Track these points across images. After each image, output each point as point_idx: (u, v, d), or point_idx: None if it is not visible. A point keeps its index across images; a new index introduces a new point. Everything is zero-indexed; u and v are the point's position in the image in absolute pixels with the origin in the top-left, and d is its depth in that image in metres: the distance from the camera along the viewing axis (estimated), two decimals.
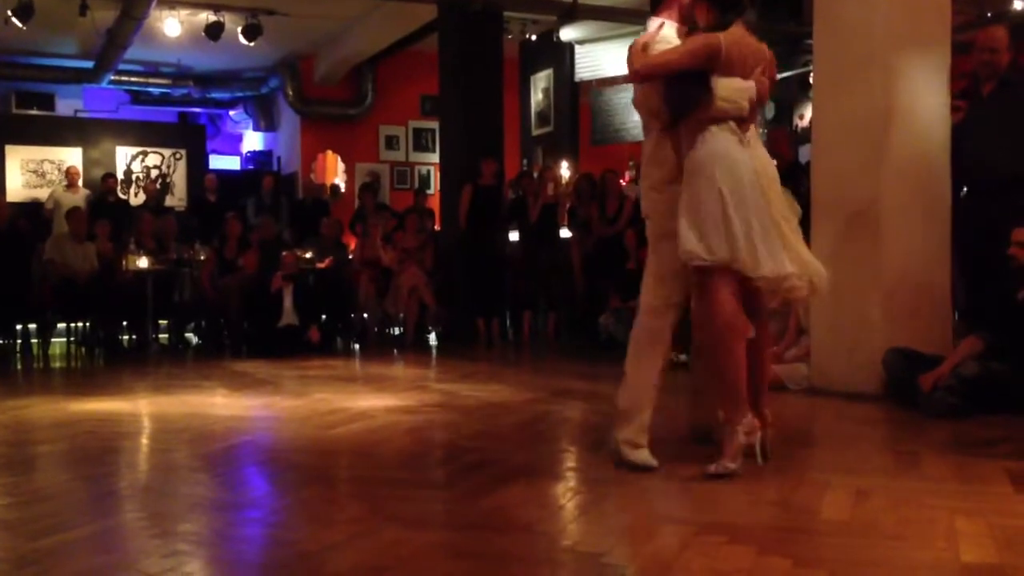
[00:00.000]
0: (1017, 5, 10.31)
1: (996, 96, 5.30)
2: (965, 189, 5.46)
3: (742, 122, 3.42)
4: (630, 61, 3.53)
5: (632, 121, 12.90)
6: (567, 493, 3.18)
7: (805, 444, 4.27)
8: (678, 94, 3.47)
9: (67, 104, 13.96)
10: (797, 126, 10.74)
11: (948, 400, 4.39)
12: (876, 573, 2.23)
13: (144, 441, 4.47)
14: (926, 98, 5.23)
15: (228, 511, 3.01)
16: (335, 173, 13.71)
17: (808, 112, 9.75)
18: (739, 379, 3.30)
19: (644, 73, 3.51)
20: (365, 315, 9.46)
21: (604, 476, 3.36)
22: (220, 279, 9.09)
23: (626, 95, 12.99)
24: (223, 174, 13.10)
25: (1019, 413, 4.37)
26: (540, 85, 13.73)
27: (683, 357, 6.54)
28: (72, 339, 9.13)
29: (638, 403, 3.42)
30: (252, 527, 2.84)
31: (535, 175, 10.13)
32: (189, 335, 9.72)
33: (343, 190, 13.38)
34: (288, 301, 8.56)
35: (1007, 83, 5.31)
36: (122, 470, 3.77)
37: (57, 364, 8.30)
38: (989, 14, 9.88)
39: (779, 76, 11.23)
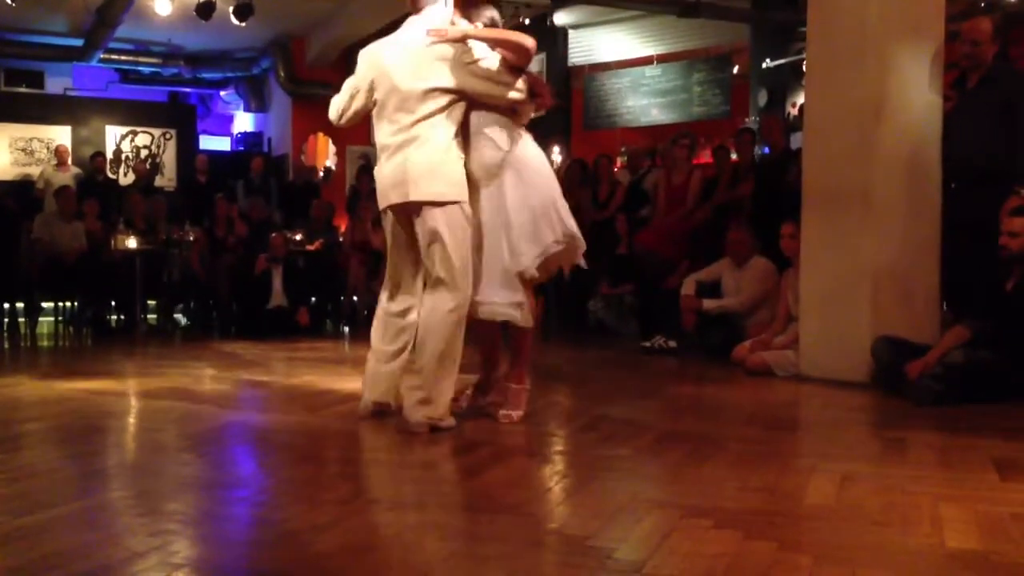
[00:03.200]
0: None
1: (979, 89, 5.31)
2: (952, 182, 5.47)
3: None
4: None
5: (625, 107, 12.91)
6: (554, 476, 3.19)
7: (792, 430, 4.29)
8: None
9: (56, 82, 13.86)
10: (789, 114, 10.74)
11: (934, 388, 4.41)
12: (861, 558, 2.24)
13: (131, 420, 4.46)
14: (919, 87, 5.23)
15: (215, 490, 3.01)
16: (326, 155, 13.65)
17: (800, 100, 9.76)
18: (526, 348, 4.05)
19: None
20: (355, 298, 9.45)
21: (591, 459, 3.37)
22: (209, 260, 9.06)
23: (619, 81, 13.00)
24: (213, 155, 13.04)
25: (1005, 401, 4.41)
26: (533, 69, 13.68)
27: (672, 344, 6.60)
28: (60, 318, 9.10)
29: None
30: (239, 506, 2.83)
31: None
32: (178, 316, 9.70)
33: (334, 171, 13.34)
34: (277, 283, 8.54)
35: (990, 78, 5.31)
36: (109, 449, 3.77)
37: (44, 343, 8.28)
38: (983, 3, 9.88)
39: (773, 63, 11.27)
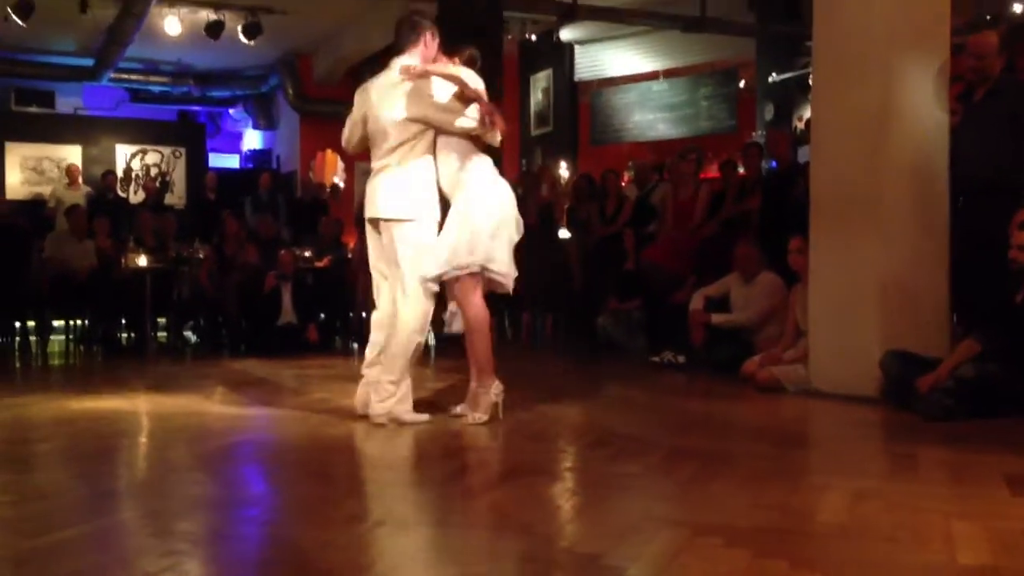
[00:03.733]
0: (1016, 7, 10.32)
1: (985, 102, 5.33)
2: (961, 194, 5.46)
3: None
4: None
5: (632, 122, 12.95)
6: (564, 493, 3.19)
7: (802, 446, 4.28)
8: None
9: (67, 102, 13.97)
10: (796, 128, 10.75)
11: (945, 403, 4.39)
12: (873, 575, 2.23)
13: (142, 439, 4.47)
14: (925, 100, 5.23)
15: (225, 509, 3.02)
16: (334, 172, 13.70)
17: (807, 114, 9.76)
18: (490, 354, 4.34)
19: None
20: (364, 314, 9.45)
21: (601, 477, 3.36)
22: (219, 277, 9.09)
23: (625, 96, 13.04)
24: (223, 172, 13.12)
25: (1016, 416, 4.38)
26: (540, 85, 13.75)
27: (681, 359, 6.59)
28: (71, 337, 9.13)
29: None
30: (249, 525, 2.84)
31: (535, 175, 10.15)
32: (188, 333, 9.72)
33: (342, 188, 13.38)
34: (287, 300, 8.57)
35: (996, 90, 5.32)
36: (120, 468, 3.78)
37: (55, 362, 8.30)
38: (988, 16, 9.89)
39: (779, 77, 11.28)
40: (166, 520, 2.83)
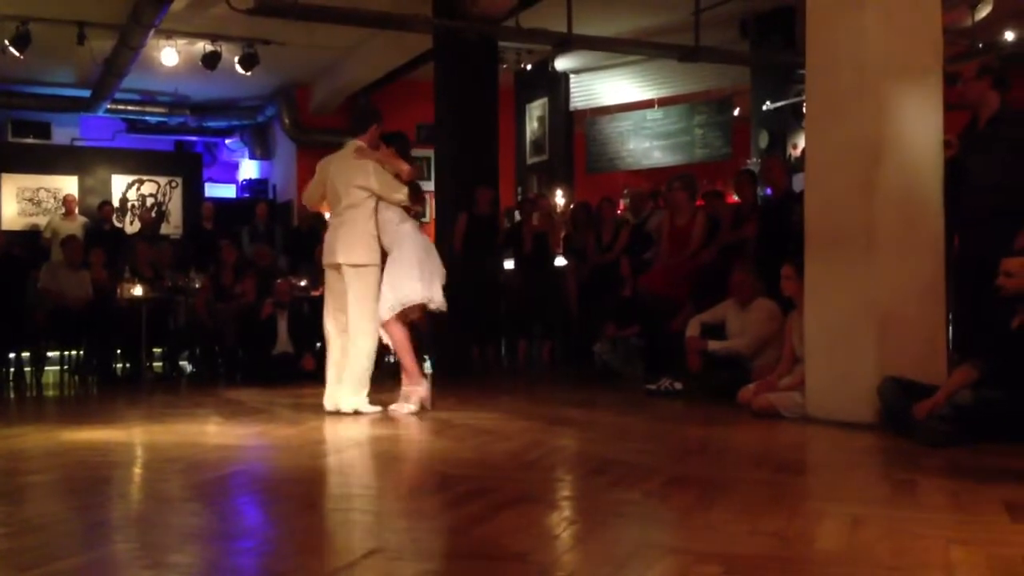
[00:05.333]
0: (1008, 36, 10.42)
1: (989, 129, 5.38)
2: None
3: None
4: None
5: (627, 150, 13.01)
6: (562, 522, 3.17)
7: (800, 473, 4.26)
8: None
9: (63, 132, 14.02)
10: (791, 155, 10.80)
11: (943, 428, 4.38)
12: None
13: (137, 470, 4.45)
14: (918, 128, 5.26)
15: (220, 541, 2.99)
16: None
17: (801, 141, 9.82)
18: (415, 362, 5.99)
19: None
20: (411, 349, 9.40)
21: (599, 505, 3.34)
22: (215, 306, 9.08)
23: (620, 124, 13.10)
24: (219, 202, 13.14)
25: (1014, 441, 4.36)
26: (535, 114, 13.82)
27: (678, 385, 6.58)
28: (66, 367, 9.10)
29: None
30: (245, 558, 2.81)
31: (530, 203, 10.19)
32: (183, 363, 9.69)
33: None
34: (283, 329, 8.55)
35: (999, 118, 5.36)
36: (114, 500, 3.75)
37: (50, 392, 8.27)
38: (980, 45, 9.98)
39: (773, 105, 11.37)
40: (161, 552, 2.80)
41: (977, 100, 5.44)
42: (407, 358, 5.90)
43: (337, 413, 5.84)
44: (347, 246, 5.81)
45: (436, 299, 5.88)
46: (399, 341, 5.89)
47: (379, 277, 5.81)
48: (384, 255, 5.88)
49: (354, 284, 5.78)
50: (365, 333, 5.80)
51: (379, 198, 5.84)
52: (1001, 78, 5.46)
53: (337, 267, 5.87)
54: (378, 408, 5.83)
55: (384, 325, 5.84)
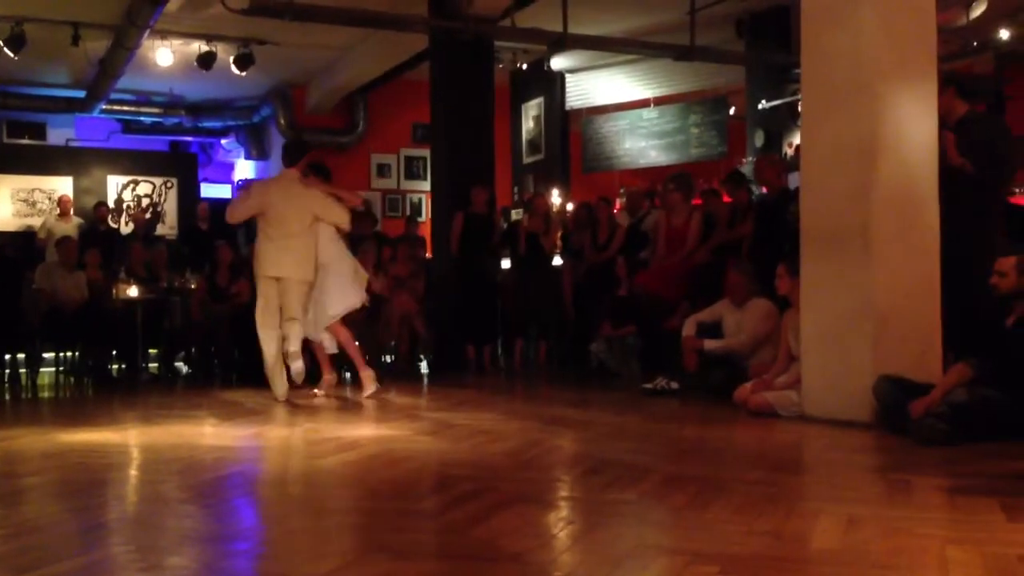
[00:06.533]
0: (1002, 35, 10.44)
1: (958, 128, 5.58)
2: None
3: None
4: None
5: (623, 149, 13.01)
6: (559, 522, 3.17)
7: (796, 472, 4.27)
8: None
9: (58, 133, 13.99)
10: (786, 154, 10.81)
11: (938, 427, 4.39)
12: None
13: (133, 472, 4.44)
14: (913, 127, 5.27)
15: (217, 543, 2.99)
16: None
17: (796, 140, 9.82)
18: (359, 353, 7.08)
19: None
20: (356, 343, 9.41)
21: (596, 505, 3.35)
22: (211, 307, 9.06)
23: (616, 124, 13.11)
24: (215, 202, 13.10)
25: (1009, 440, 4.38)
26: (531, 113, 13.82)
27: (674, 385, 6.58)
28: (61, 368, 9.09)
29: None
30: (241, 559, 2.81)
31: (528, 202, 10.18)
32: (179, 364, 9.68)
33: None
34: None
35: (966, 119, 5.61)
36: (110, 502, 3.75)
37: (46, 394, 8.26)
38: (975, 43, 10.00)
39: (768, 104, 11.38)
40: (157, 555, 2.80)
41: (946, 109, 5.59)
42: (353, 352, 7.01)
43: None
44: (298, 264, 6.67)
45: (361, 300, 7.07)
46: (346, 338, 6.91)
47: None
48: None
49: (295, 293, 6.66)
50: (298, 321, 6.72)
51: (326, 222, 6.81)
52: (962, 87, 5.76)
53: (278, 279, 6.66)
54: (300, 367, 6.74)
55: (333, 326, 6.84)
